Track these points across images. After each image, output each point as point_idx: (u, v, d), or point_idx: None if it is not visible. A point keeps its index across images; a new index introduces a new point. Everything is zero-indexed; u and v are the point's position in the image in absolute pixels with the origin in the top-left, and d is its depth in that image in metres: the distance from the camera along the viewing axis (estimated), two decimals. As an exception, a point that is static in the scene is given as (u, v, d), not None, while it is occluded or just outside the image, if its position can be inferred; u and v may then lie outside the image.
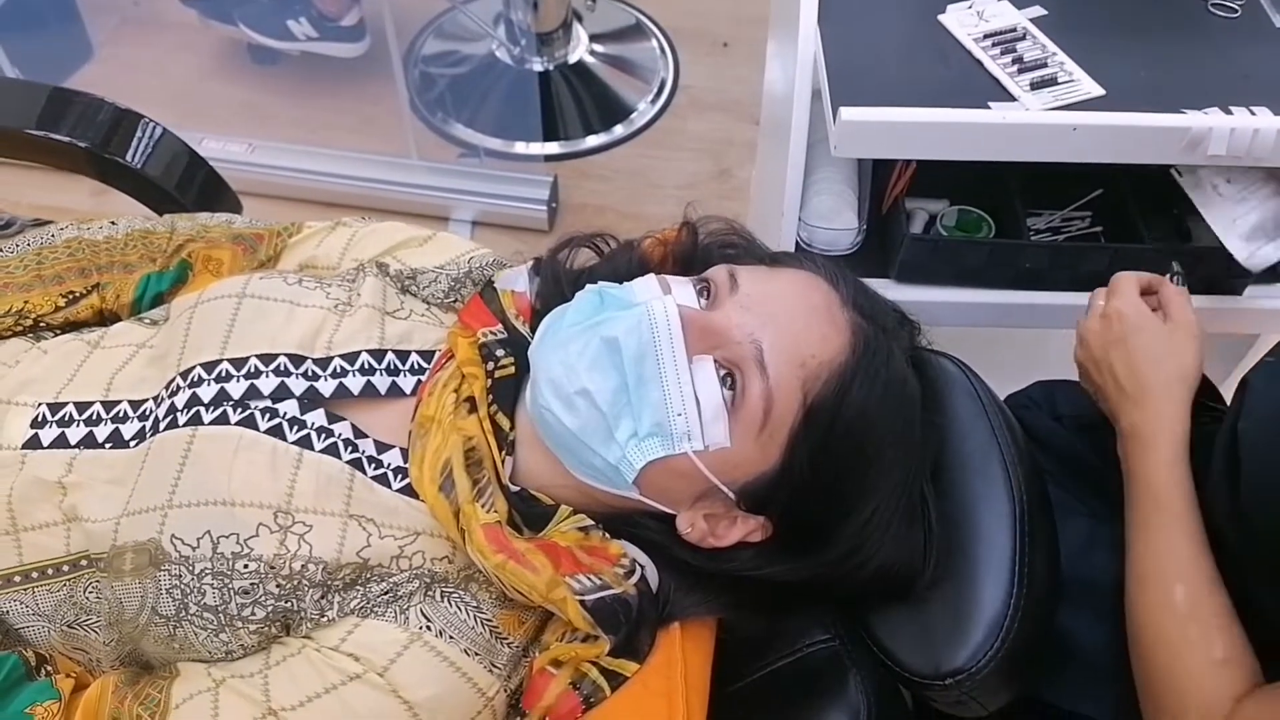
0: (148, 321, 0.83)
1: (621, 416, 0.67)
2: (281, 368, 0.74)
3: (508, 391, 0.75)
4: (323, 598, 0.67)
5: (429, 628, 0.67)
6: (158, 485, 0.69)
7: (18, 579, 0.71)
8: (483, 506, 0.69)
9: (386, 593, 0.68)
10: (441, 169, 2.05)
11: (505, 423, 0.74)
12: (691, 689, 0.69)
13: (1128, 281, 0.90)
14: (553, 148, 2.16)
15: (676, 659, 0.70)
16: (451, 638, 0.67)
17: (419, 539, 0.70)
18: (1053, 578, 0.75)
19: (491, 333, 0.77)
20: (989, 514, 0.74)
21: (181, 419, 0.72)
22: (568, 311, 0.73)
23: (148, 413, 0.75)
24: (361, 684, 0.65)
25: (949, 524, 0.75)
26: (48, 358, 0.80)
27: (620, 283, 0.74)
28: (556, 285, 0.81)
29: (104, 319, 0.88)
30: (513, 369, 0.75)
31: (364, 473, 0.71)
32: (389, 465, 0.73)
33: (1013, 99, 0.99)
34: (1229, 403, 0.81)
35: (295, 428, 0.72)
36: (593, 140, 2.18)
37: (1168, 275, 0.91)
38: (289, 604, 0.67)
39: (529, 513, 0.71)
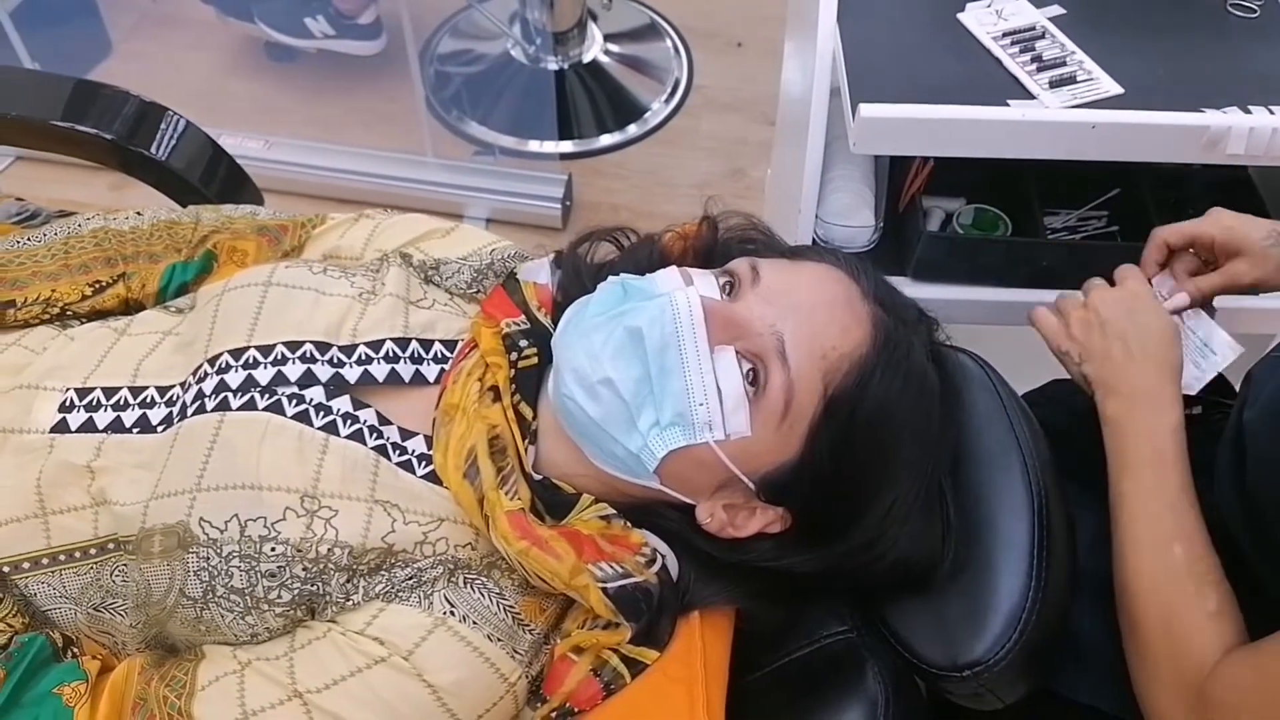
0: (174, 309, 0.84)
1: (644, 406, 0.68)
2: (308, 354, 0.75)
3: (530, 381, 0.75)
4: (348, 582, 0.68)
5: (453, 613, 0.68)
6: (186, 469, 0.70)
7: (45, 561, 0.72)
8: (506, 494, 0.69)
9: (411, 578, 0.69)
10: (456, 166, 2.06)
11: (528, 412, 0.74)
12: (711, 677, 0.70)
13: (1134, 268, 0.93)
14: (567, 146, 2.17)
15: (696, 647, 0.70)
16: (475, 623, 0.68)
17: (442, 525, 0.71)
18: (1070, 571, 0.75)
19: (515, 323, 0.77)
20: (1007, 507, 0.75)
21: (209, 405, 0.73)
22: (591, 302, 0.73)
23: (175, 398, 0.75)
24: (386, 667, 0.66)
25: (967, 517, 0.75)
26: (75, 344, 0.81)
27: (641, 275, 0.75)
28: (578, 278, 0.81)
29: (129, 308, 0.89)
30: (536, 359, 0.76)
31: (388, 459, 0.72)
32: (413, 452, 0.73)
33: (1031, 97, 0.99)
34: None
35: (321, 414, 0.73)
36: (607, 139, 2.19)
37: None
38: (314, 587, 0.68)
39: (552, 501, 0.72)
